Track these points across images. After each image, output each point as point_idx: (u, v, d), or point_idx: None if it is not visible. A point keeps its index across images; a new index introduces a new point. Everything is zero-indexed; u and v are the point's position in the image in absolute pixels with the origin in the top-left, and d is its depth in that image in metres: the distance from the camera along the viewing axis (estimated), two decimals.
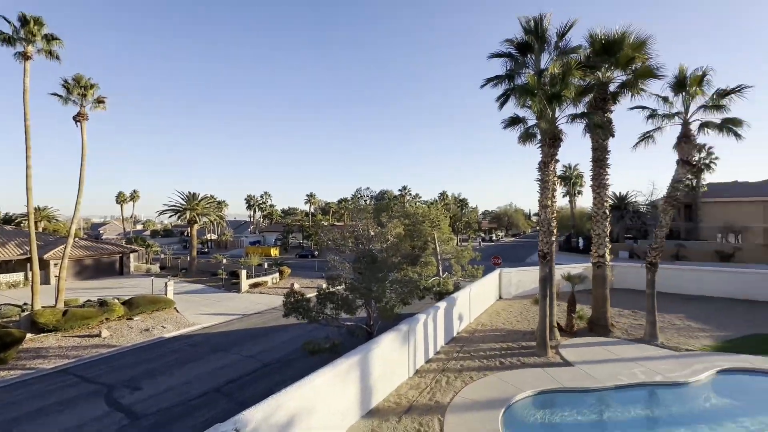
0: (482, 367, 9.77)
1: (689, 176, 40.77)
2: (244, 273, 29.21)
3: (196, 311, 22.00)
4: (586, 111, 11.42)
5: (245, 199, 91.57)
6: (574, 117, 10.81)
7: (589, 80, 11.74)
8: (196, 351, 15.27)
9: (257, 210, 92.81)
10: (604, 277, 12.50)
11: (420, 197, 69.82)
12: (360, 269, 11.06)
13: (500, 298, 17.59)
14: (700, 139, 11.56)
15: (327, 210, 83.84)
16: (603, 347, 10.96)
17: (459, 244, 49.98)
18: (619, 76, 12.60)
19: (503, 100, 11.80)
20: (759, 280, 16.73)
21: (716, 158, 42.31)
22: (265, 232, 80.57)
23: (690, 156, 11.24)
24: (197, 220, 40.35)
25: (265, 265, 37.85)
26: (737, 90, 10.53)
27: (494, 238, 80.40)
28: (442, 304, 11.25)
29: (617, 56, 11.88)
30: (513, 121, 11.25)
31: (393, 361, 8.62)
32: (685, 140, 11.10)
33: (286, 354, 14.41)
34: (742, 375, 9.34)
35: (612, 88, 12.71)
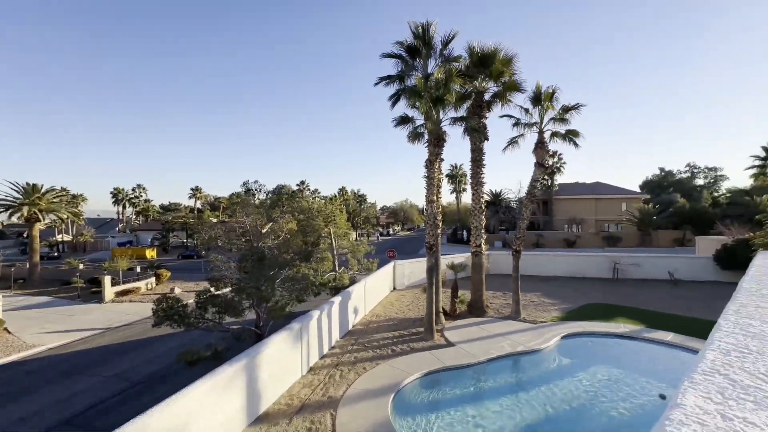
0: (375, 356, 10.11)
1: (545, 177, 48.58)
2: (108, 279, 24.83)
3: (38, 330, 17.89)
4: (464, 116, 12.61)
5: (112, 192, 77.78)
6: (455, 120, 11.88)
7: (467, 88, 13.02)
8: (37, 378, 12.45)
9: (128, 206, 79.78)
10: (481, 264, 14.11)
11: (319, 192, 68.96)
12: (247, 268, 10.29)
13: (394, 288, 18.48)
14: (552, 145, 13.89)
15: (217, 205, 76.60)
16: (479, 326, 12.39)
17: (358, 238, 51.03)
18: (492, 87, 14.27)
19: (395, 99, 12.33)
20: (590, 261, 21.00)
21: (564, 163, 51.54)
22: (140, 231, 69.84)
23: (544, 160, 13.38)
24: (41, 217, 32.74)
25: (138, 269, 32.87)
26: (575, 107, 12.90)
27: (391, 232, 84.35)
28: (337, 299, 11.28)
29: (490, 69, 13.42)
30: (403, 120, 11.83)
31: (285, 361, 8.30)
32: (540, 146, 13.16)
33: (162, 368, 12.74)
34: (579, 338, 11.57)
35: (487, 97, 14.32)
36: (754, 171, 36.77)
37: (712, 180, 66.26)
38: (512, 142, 14.25)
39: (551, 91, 12.98)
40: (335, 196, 66.85)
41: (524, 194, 14.16)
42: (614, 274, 19.74)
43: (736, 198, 46.23)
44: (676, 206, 48.67)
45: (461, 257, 19.95)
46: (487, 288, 15.90)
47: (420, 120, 11.74)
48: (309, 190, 67.90)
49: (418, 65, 12.45)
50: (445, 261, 16.46)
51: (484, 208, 14.31)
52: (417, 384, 8.79)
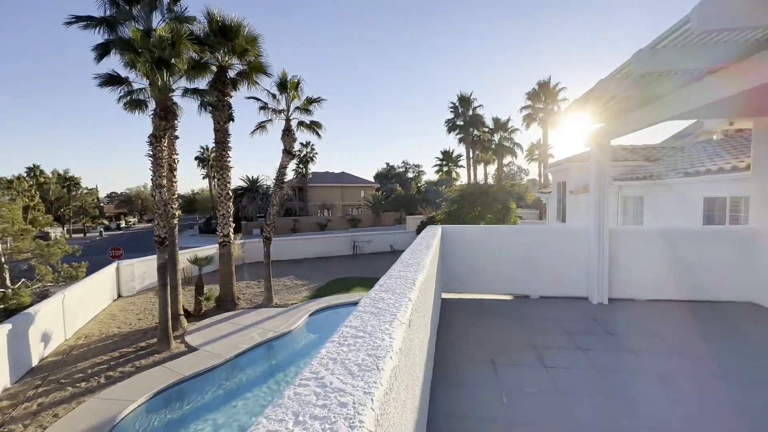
0: (78, 393, 7.54)
1: (300, 165, 51.21)
2: None
3: None
4: (201, 88, 11.04)
5: None
6: (188, 91, 10.22)
7: (204, 57, 11.51)
8: None
9: None
10: (230, 254, 13.14)
11: None
12: None
13: (120, 296, 14.62)
14: (301, 136, 14.39)
15: None
16: (228, 321, 11.52)
17: (65, 235, 37.80)
18: (237, 65, 13.27)
19: (102, 51, 9.46)
20: (336, 241, 23.79)
21: (316, 153, 56.11)
22: None
23: (291, 147, 13.69)
24: None
25: None
26: (317, 100, 13.83)
27: (123, 225, 67.31)
28: (4, 329, 7.65)
29: (234, 44, 12.39)
30: (112, 80, 9.16)
31: None
32: (287, 133, 13.39)
33: None
34: (324, 312, 12.71)
35: (232, 74, 13.22)
36: (437, 168, 52.18)
37: (417, 173, 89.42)
38: (260, 126, 13.90)
39: (296, 81, 13.36)
40: (21, 178, 46.35)
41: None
42: (354, 251, 23.15)
43: (429, 187, 64.26)
44: (396, 193, 62.63)
45: (211, 249, 18.07)
46: (242, 278, 15.14)
47: (139, 84, 9.43)
48: None
49: (138, 15, 9.95)
50: (187, 255, 14.35)
51: (231, 194, 13.32)
52: (142, 411, 7.15)
